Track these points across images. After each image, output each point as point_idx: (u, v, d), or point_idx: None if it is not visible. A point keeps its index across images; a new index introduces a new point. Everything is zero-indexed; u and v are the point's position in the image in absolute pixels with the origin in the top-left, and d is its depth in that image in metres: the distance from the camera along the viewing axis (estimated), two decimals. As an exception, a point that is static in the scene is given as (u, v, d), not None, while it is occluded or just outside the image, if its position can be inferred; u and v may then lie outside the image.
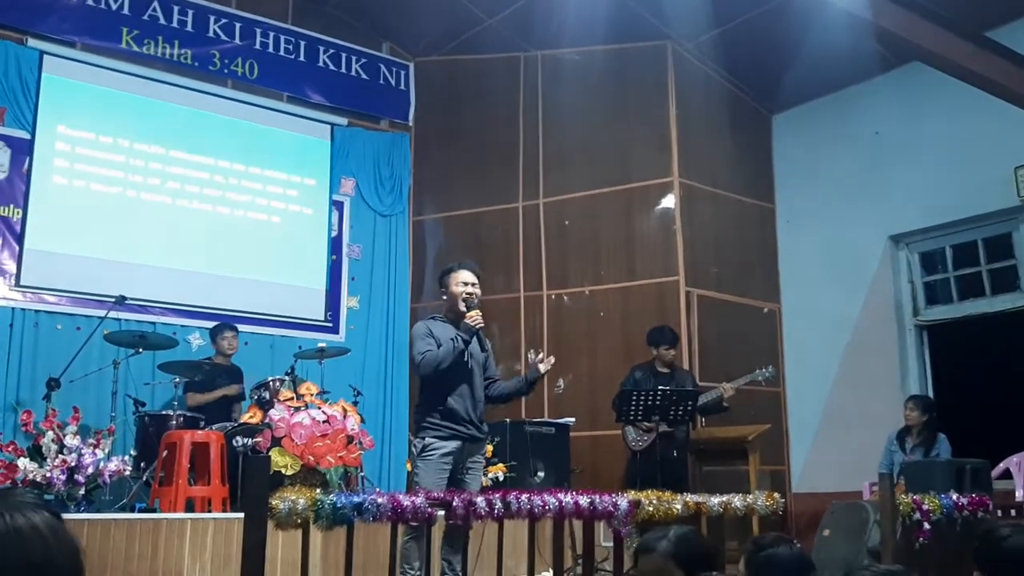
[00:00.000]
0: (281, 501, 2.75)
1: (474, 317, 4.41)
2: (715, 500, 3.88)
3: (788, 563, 2.21)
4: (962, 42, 5.14)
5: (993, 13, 6.56)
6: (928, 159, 7.29)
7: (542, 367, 4.53)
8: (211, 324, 7.14)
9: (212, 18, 7.85)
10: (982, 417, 6.85)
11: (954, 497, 4.50)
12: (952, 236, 7.44)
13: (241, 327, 7.23)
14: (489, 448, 6.50)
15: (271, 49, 8.15)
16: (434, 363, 4.28)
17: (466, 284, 4.54)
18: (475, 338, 4.47)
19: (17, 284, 6.75)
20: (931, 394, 7.31)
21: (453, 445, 4.30)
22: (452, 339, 4.34)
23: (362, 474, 6.35)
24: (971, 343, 7.37)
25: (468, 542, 4.30)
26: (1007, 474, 6.29)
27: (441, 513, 3.27)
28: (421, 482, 4.22)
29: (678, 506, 3.68)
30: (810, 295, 8.02)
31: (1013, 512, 5.60)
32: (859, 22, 5.45)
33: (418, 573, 4.08)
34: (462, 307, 4.47)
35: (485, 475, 6.36)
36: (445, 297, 4.60)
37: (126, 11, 7.43)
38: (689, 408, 6.13)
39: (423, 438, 4.32)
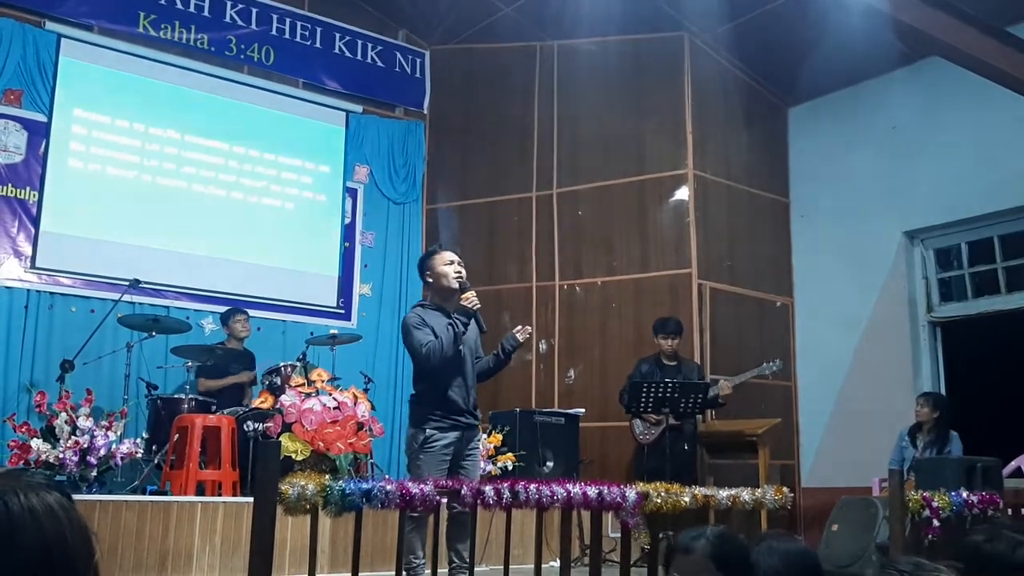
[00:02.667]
0: (291, 486, 2.77)
1: (470, 298, 4.23)
2: (724, 494, 3.87)
3: (789, 556, 2.17)
4: (984, 37, 5.09)
5: (1016, 8, 6.49)
6: (945, 154, 7.23)
7: (520, 336, 4.35)
8: (224, 309, 7.18)
9: (229, 3, 7.86)
10: (995, 415, 6.81)
11: (964, 495, 4.48)
12: (968, 232, 7.39)
13: (253, 312, 7.28)
14: (498, 437, 6.52)
15: (287, 35, 8.16)
16: (439, 352, 4.14)
17: (452, 263, 4.35)
18: (473, 320, 4.29)
19: (32, 266, 6.79)
20: (944, 391, 7.28)
21: (453, 436, 4.22)
22: (449, 324, 4.18)
23: (372, 461, 6.38)
24: (985, 341, 7.33)
25: (475, 530, 4.31)
26: (1019, 472, 6.26)
27: (444, 502, 3.27)
28: (423, 475, 4.09)
29: (686, 499, 3.67)
30: (823, 290, 7.99)
31: (1024, 511, 5.56)
32: (878, 16, 5.41)
33: (422, 562, 4.08)
34: (454, 284, 4.29)
35: (494, 464, 6.38)
36: (431, 280, 4.40)
37: (143, -5, 7.46)
38: (699, 400, 6.12)
39: (423, 429, 4.20)
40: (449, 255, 4.40)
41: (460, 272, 4.34)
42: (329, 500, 2.83)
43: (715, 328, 7.57)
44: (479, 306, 4.27)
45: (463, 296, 4.24)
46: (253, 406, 6.17)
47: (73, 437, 5.17)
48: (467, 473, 4.21)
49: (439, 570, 3.52)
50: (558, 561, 3.99)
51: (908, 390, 7.12)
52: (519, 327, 4.41)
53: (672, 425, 6.23)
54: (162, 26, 7.48)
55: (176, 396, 6.20)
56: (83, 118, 7.19)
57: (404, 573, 4.00)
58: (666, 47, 7.94)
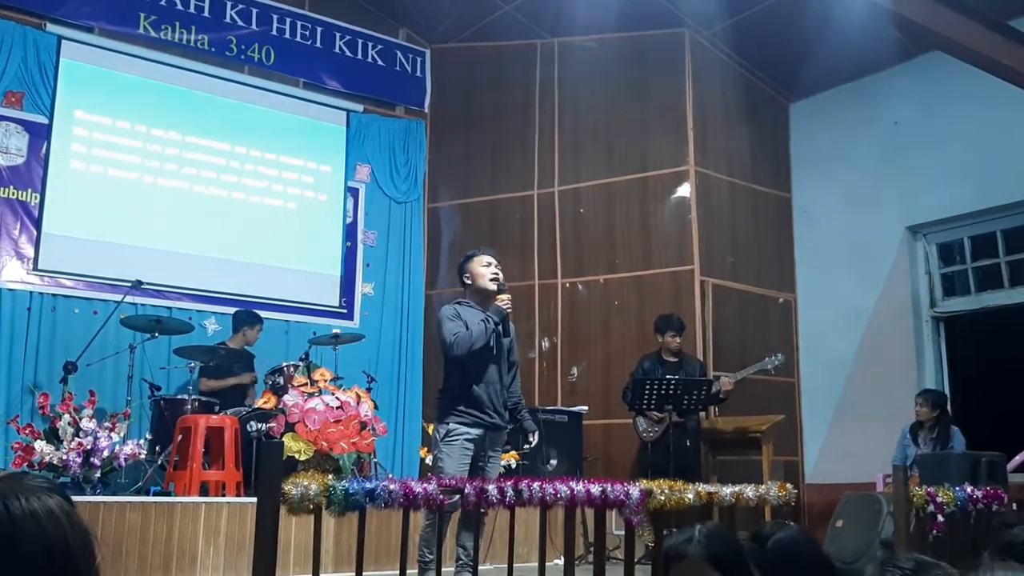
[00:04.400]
0: (294, 486, 2.76)
1: (505, 300, 4.33)
2: (727, 490, 3.86)
3: (798, 546, 2.17)
4: (987, 32, 5.08)
5: (1018, 2, 6.46)
6: (947, 149, 7.22)
7: (533, 439, 4.66)
8: (226, 309, 7.18)
9: (229, 4, 7.86)
10: (999, 410, 6.80)
11: (968, 490, 4.47)
12: (970, 227, 7.38)
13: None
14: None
15: (287, 35, 8.15)
16: (467, 343, 4.20)
17: (490, 266, 4.45)
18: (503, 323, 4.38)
19: (35, 268, 6.80)
20: (947, 386, 7.27)
21: (476, 432, 4.26)
22: (483, 320, 4.26)
23: (375, 460, 6.38)
24: (989, 335, 7.32)
25: (482, 528, 4.31)
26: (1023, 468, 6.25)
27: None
28: (444, 467, 4.17)
29: (690, 496, 3.67)
30: (826, 285, 7.98)
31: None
32: (879, 10, 5.40)
33: (435, 557, 4.09)
34: (491, 286, 4.38)
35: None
36: (469, 282, 4.48)
37: (143, -4, 7.46)
38: (702, 396, 6.13)
39: (447, 423, 4.26)
40: (486, 257, 4.49)
41: (497, 274, 4.44)
42: (332, 500, 2.83)
43: (717, 325, 7.56)
44: (510, 309, 4.37)
45: (498, 297, 4.35)
46: (256, 406, 6.17)
47: (76, 439, 5.17)
48: (483, 475, 4.21)
49: (445, 568, 3.52)
50: (562, 559, 3.98)
51: (911, 386, 7.11)
52: (531, 438, 4.69)
53: (675, 422, 6.22)
54: (162, 27, 7.48)
55: (179, 397, 6.20)
56: (84, 120, 7.19)
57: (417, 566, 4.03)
58: (667, 44, 7.93)
